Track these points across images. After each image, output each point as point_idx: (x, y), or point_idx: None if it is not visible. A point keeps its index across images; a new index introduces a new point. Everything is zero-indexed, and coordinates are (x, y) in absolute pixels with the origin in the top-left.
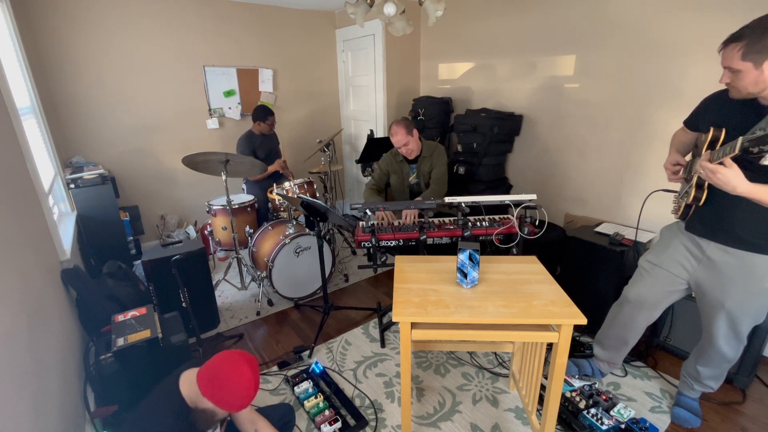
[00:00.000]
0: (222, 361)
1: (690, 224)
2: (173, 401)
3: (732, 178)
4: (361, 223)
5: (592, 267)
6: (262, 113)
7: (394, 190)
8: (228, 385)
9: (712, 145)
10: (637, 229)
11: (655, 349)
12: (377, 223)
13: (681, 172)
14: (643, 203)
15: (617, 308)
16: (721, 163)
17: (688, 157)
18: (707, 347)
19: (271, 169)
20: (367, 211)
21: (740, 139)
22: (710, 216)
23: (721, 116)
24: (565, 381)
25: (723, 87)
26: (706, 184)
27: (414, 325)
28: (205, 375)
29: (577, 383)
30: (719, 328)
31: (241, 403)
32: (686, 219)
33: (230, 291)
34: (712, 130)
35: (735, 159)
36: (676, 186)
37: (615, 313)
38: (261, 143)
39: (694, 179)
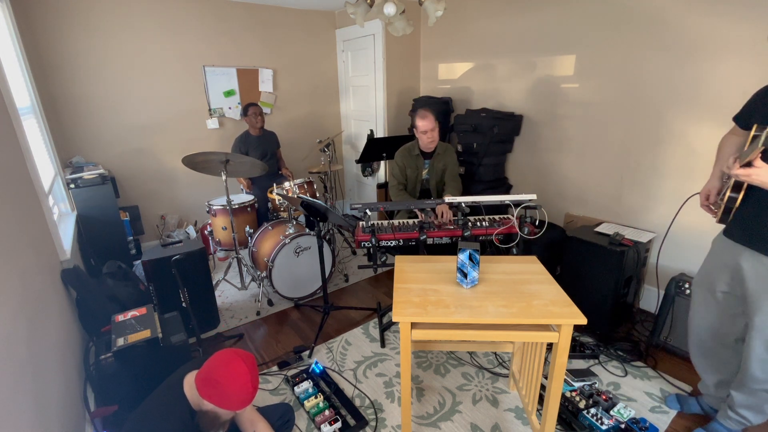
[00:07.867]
0: (217, 361)
1: (729, 229)
2: (179, 405)
3: (764, 175)
4: (361, 223)
5: (592, 267)
6: (245, 107)
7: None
8: (225, 384)
9: None
10: (665, 235)
11: (655, 349)
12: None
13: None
14: (679, 209)
15: (693, 345)
16: (749, 164)
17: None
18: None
19: None
20: (367, 211)
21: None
22: (748, 220)
23: None
24: (565, 381)
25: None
26: (745, 184)
27: (414, 325)
28: (203, 376)
29: (578, 383)
30: (753, 348)
31: (241, 400)
32: (726, 223)
33: (230, 291)
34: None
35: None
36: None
37: (695, 349)
38: (254, 144)
39: (732, 181)
